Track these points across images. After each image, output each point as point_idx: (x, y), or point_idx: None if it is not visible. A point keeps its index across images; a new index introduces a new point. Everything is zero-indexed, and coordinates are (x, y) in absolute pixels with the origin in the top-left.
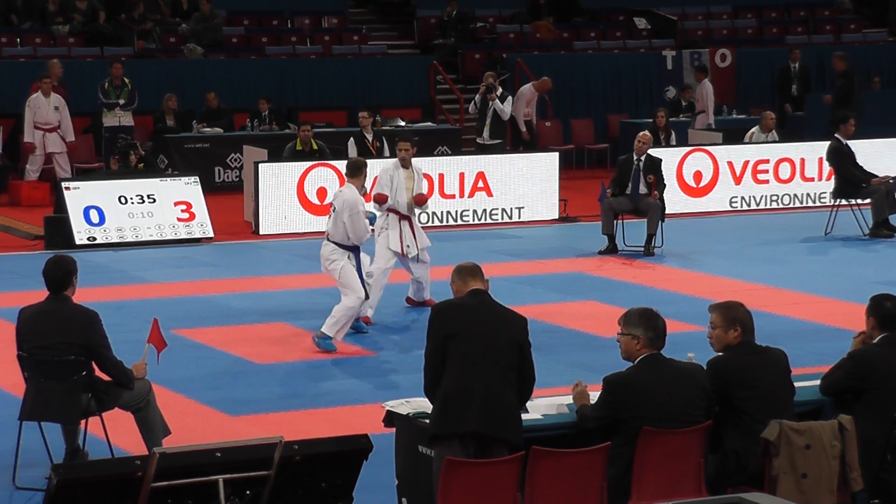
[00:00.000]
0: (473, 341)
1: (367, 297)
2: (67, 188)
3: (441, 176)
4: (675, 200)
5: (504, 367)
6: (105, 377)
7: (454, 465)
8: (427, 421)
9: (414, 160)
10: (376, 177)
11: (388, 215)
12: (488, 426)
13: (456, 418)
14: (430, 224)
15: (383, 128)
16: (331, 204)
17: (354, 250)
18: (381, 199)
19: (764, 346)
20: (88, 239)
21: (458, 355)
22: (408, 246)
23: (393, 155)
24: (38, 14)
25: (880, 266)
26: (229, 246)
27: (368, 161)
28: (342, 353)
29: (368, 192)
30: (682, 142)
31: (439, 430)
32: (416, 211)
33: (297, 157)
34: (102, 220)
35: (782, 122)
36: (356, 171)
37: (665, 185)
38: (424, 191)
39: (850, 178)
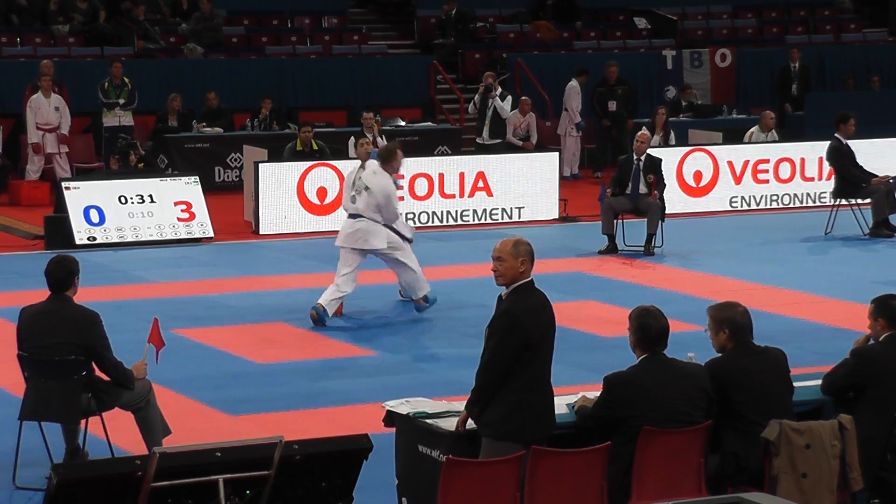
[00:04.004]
0: (545, 346)
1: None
2: (67, 188)
3: (441, 176)
4: (675, 200)
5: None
6: (105, 377)
7: (454, 465)
8: (429, 421)
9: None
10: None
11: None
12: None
13: (543, 425)
14: (430, 224)
15: (383, 127)
16: (354, 182)
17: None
18: None
19: (763, 346)
20: (88, 239)
21: (535, 362)
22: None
23: None
24: (38, 14)
25: (880, 266)
26: (229, 246)
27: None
28: (342, 353)
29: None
30: (682, 142)
31: (529, 436)
32: None
33: (297, 157)
34: (102, 219)
35: (782, 121)
36: (389, 157)
37: (665, 185)
38: None
39: (850, 178)
